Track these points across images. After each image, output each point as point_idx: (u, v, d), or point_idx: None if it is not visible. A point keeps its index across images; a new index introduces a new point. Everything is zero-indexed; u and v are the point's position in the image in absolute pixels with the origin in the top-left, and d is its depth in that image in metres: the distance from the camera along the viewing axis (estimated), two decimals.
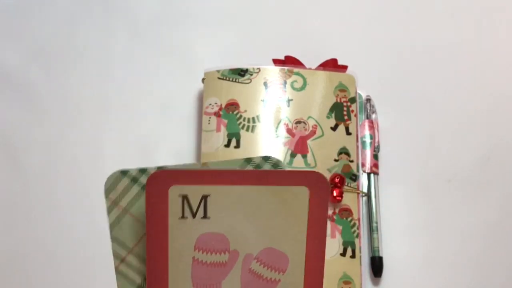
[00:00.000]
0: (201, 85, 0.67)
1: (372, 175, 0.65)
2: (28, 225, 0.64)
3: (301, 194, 0.48)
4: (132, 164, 0.64)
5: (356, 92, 0.66)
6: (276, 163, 0.51)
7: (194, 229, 0.48)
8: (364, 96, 0.68)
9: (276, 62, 0.67)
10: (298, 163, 0.63)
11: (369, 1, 0.75)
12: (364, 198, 0.64)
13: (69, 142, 0.68)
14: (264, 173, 0.48)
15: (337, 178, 0.62)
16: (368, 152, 0.66)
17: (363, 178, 0.65)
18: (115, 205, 0.49)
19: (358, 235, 0.62)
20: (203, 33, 0.73)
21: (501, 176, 0.67)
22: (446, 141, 0.68)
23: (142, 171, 0.50)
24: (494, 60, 0.72)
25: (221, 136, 0.63)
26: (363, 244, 0.62)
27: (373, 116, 0.67)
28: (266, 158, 0.51)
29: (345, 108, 0.65)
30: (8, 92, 0.70)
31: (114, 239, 0.50)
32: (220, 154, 0.63)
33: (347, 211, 0.62)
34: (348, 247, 0.61)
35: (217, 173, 0.47)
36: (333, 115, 0.65)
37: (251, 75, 0.66)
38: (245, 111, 0.64)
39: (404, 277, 0.63)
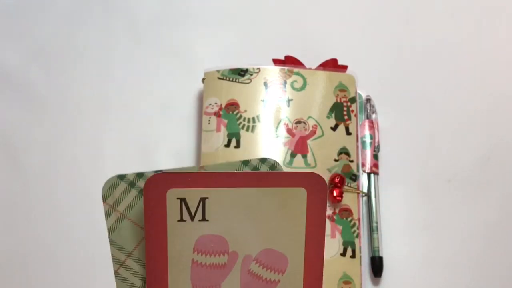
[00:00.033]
0: (201, 85, 0.67)
1: (372, 175, 0.65)
2: (28, 225, 0.64)
3: (299, 195, 0.48)
4: (132, 163, 0.65)
5: (356, 92, 0.66)
6: (273, 165, 0.51)
7: (193, 232, 0.48)
8: (364, 96, 0.68)
9: (276, 62, 0.67)
10: (298, 163, 0.63)
11: (369, 1, 0.75)
12: (364, 198, 0.64)
13: (69, 142, 0.68)
14: (261, 175, 0.48)
15: (337, 178, 0.62)
16: (368, 152, 0.66)
17: (363, 178, 0.65)
18: (113, 210, 0.49)
19: (358, 235, 0.62)
20: (203, 33, 0.73)
21: (501, 176, 0.67)
22: (446, 141, 0.68)
23: (140, 175, 0.51)
24: (494, 60, 0.71)
25: (221, 136, 0.63)
26: (363, 244, 0.62)
27: (373, 116, 0.67)
28: (263, 160, 0.51)
29: (345, 108, 0.65)
30: (8, 92, 0.70)
31: (113, 243, 0.50)
32: (220, 154, 0.63)
33: (347, 211, 0.62)
34: (348, 247, 0.61)
35: (214, 176, 0.48)
36: (333, 115, 0.65)
37: (251, 75, 0.66)
38: (245, 111, 0.64)
39: (404, 277, 0.63)
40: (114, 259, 0.48)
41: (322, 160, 0.63)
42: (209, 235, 0.48)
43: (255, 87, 0.65)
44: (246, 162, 0.51)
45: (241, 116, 0.64)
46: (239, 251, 0.49)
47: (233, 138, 0.63)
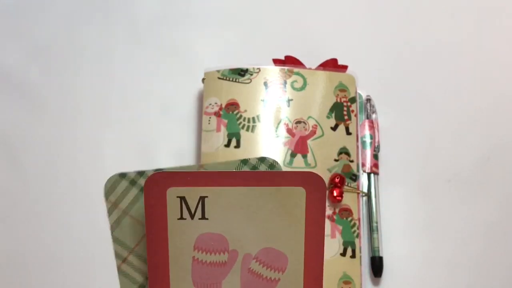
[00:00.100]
0: (201, 85, 0.67)
1: (372, 175, 0.65)
2: (28, 225, 0.64)
3: (298, 194, 0.48)
4: (132, 163, 0.64)
5: (356, 92, 0.66)
6: (272, 164, 0.51)
7: (193, 230, 0.48)
8: (364, 96, 0.68)
9: (276, 62, 0.67)
10: (298, 163, 0.63)
11: (369, 1, 0.75)
12: (364, 198, 0.64)
13: (69, 142, 0.68)
14: (261, 174, 0.48)
15: (337, 178, 0.62)
16: (368, 152, 0.66)
17: (363, 178, 0.65)
18: (115, 207, 0.50)
19: (358, 235, 0.62)
20: (203, 33, 0.73)
21: (501, 176, 0.67)
22: (446, 141, 0.68)
23: (140, 173, 0.51)
24: (494, 60, 0.72)
25: (221, 136, 0.63)
26: (363, 244, 0.62)
27: (373, 116, 0.67)
28: (262, 159, 0.51)
29: (345, 108, 0.65)
30: (8, 92, 0.70)
31: (115, 240, 0.50)
32: (220, 154, 0.63)
33: (347, 211, 0.62)
34: (348, 247, 0.61)
35: (214, 175, 0.48)
36: (333, 115, 0.65)
37: (251, 75, 0.66)
38: (245, 111, 0.64)
39: (404, 277, 0.63)
40: (116, 255, 0.48)
41: (322, 160, 0.63)
42: (209, 233, 0.48)
43: (255, 87, 0.65)
44: (245, 161, 0.51)
45: (241, 116, 0.64)
46: (239, 249, 0.49)
47: (233, 138, 0.63)
